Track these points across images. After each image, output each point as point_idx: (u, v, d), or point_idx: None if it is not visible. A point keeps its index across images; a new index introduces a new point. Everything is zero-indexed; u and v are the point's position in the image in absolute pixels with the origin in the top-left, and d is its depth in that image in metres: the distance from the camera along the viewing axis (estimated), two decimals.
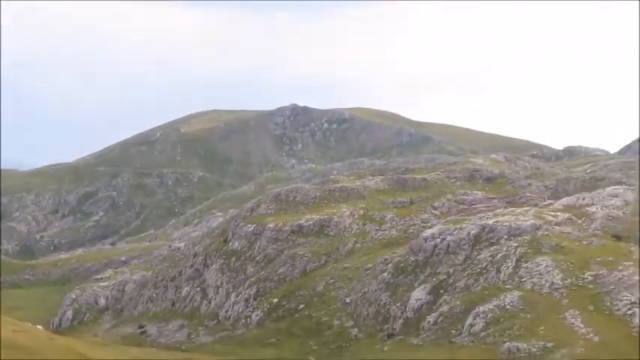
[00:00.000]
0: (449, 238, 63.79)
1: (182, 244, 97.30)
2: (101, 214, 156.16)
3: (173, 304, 74.88)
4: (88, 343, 48.80)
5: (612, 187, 73.40)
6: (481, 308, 55.12)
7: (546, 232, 61.96)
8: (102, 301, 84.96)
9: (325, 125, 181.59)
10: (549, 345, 49.98)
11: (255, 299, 68.05)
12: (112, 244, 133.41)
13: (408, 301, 60.10)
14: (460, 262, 61.45)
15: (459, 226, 65.54)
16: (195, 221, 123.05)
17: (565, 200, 71.44)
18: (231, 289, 70.74)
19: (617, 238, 62.79)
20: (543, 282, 56.39)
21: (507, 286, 56.93)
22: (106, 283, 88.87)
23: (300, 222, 74.44)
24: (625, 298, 53.43)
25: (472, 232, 63.52)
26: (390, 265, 64.63)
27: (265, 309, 66.34)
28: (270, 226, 74.66)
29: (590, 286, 55.42)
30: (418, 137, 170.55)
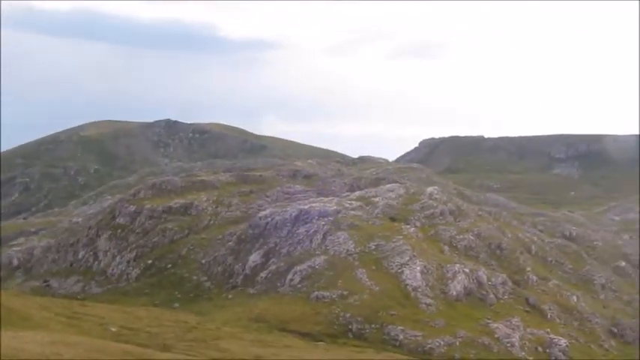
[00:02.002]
0: (277, 217, 63.81)
1: (80, 219, 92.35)
2: (16, 195, 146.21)
3: (71, 264, 70.95)
4: (2, 294, 45.32)
5: (389, 185, 75.65)
6: (298, 268, 55.46)
7: (344, 215, 63.08)
8: (15, 262, 79.16)
9: (191, 135, 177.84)
10: (345, 293, 50.92)
11: (134, 260, 65.60)
12: (25, 218, 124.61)
13: (247, 262, 59.67)
14: (284, 234, 61.59)
15: (284, 209, 65.72)
16: (91, 202, 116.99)
17: (358, 193, 73.03)
18: (116, 253, 67.80)
19: (392, 219, 64.60)
20: (342, 249, 57.32)
21: (317, 252, 57.53)
22: (19, 248, 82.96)
23: (170, 204, 72.41)
24: (397, 261, 55.16)
25: (293, 213, 63.82)
26: (235, 236, 63.98)
27: (142, 268, 64.09)
28: (148, 207, 72.23)
29: (374, 253, 56.82)
30: (257, 146, 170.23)
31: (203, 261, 62.32)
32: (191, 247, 64.86)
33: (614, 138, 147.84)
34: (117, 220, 72.75)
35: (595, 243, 75.84)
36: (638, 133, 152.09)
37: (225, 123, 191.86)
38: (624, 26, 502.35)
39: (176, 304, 55.59)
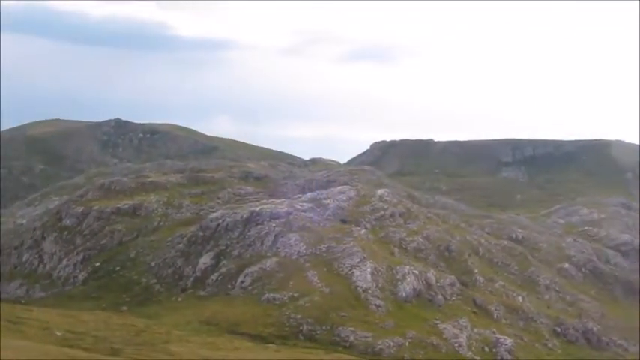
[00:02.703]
0: (228, 219, 63.38)
1: (25, 221, 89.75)
2: None
3: (15, 267, 68.90)
4: None
5: (341, 187, 75.88)
6: (249, 269, 55.23)
7: (296, 217, 63.04)
8: None
9: (141, 135, 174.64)
10: (296, 295, 50.95)
11: (81, 263, 64.14)
12: None
13: (197, 264, 59.04)
14: (235, 236, 61.21)
15: (235, 211, 65.32)
16: (36, 203, 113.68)
17: (309, 195, 73.08)
18: (62, 256, 66.17)
19: (343, 222, 64.89)
20: (293, 251, 57.33)
21: (268, 254, 57.39)
22: None
23: (119, 206, 71.13)
24: (347, 262, 55.41)
25: (244, 215, 63.50)
26: (185, 238, 63.24)
27: (89, 270, 62.71)
28: (96, 208, 70.78)
29: (325, 254, 56.99)
30: (209, 147, 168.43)
31: (152, 263, 61.39)
32: (140, 250, 63.83)
33: (560, 143, 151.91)
34: (63, 221, 71.07)
35: (540, 245, 77.69)
36: (582, 138, 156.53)
37: (176, 123, 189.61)
38: (578, 31, 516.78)
39: (124, 308, 54.54)
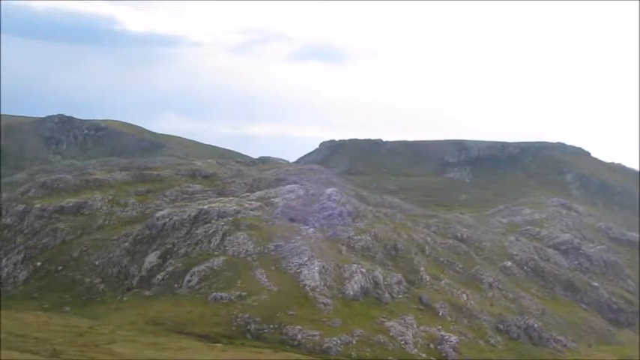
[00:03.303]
0: (175, 217, 62.59)
1: None
2: None
3: None
4: None
5: (289, 186, 75.99)
6: (196, 268, 54.67)
7: (244, 215, 62.82)
8: None
9: (85, 131, 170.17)
10: (244, 294, 50.70)
11: (22, 263, 62.23)
12: None
13: (143, 263, 58.10)
14: (183, 235, 60.51)
15: (182, 209, 64.56)
16: None
17: (258, 193, 72.88)
18: (2, 255, 64.02)
19: (292, 220, 64.98)
20: (241, 250, 57.04)
21: (215, 253, 56.94)
22: None
23: (62, 204, 69.36)
24: (295, 261, 55.47)
25: (192, 214, 62.84)
26: (131, 237, 62.13)
27: (30, 270, 60.91)
28: (37, 206, 68.84)
29: (273, 253, 56.90)
30: (155, 144, 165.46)
31: (97, 262, 60.10)
32: (84, 249, 62.39)
33: (504, 144, 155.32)
34: (3, 219, 68.84)
35: (483, 244, 79.30)
36: (526, 140, 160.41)
37: (122, 120, 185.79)
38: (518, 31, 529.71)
39: (67, 308, 53.22)
